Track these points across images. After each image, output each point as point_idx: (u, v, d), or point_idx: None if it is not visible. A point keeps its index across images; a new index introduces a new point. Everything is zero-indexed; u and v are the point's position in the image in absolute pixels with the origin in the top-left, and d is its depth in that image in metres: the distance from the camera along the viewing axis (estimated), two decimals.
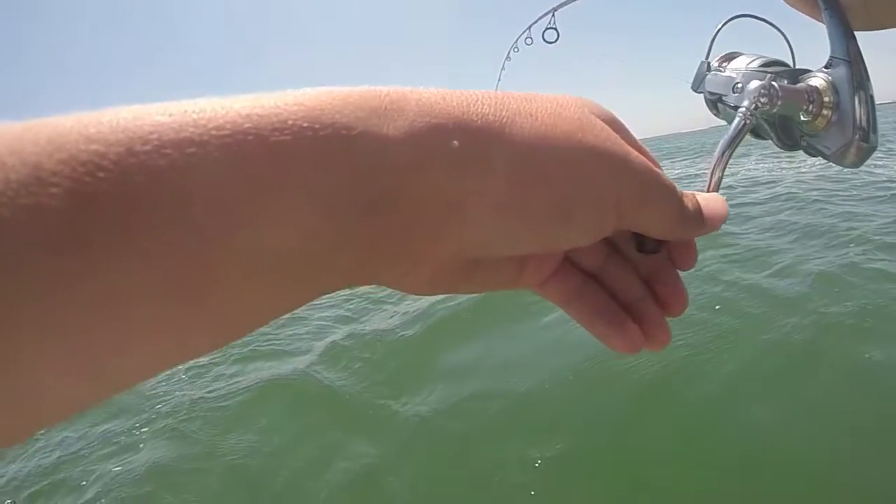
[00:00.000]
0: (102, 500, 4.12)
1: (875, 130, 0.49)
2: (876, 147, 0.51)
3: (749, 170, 16.82)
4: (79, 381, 0.24)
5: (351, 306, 8.29)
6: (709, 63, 0.67)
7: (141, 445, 5.08)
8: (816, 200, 9.08)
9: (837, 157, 0.53)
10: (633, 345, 0.44)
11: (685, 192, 0.42)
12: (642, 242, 0.44)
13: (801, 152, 0.67)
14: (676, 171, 20.24)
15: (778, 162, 18.04)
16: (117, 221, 0.21)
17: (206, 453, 4.51)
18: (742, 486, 2.84)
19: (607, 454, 3.38)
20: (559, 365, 4.53)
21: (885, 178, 10.98)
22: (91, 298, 0.21)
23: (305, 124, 0.25)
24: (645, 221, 0.38)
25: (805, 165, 15.00)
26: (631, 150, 0.36)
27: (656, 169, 0.38)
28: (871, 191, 9.41)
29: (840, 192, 9.89)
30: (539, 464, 3.29)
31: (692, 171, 20.07)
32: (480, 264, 0.37)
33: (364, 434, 4.24)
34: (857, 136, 0.50)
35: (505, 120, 0.30)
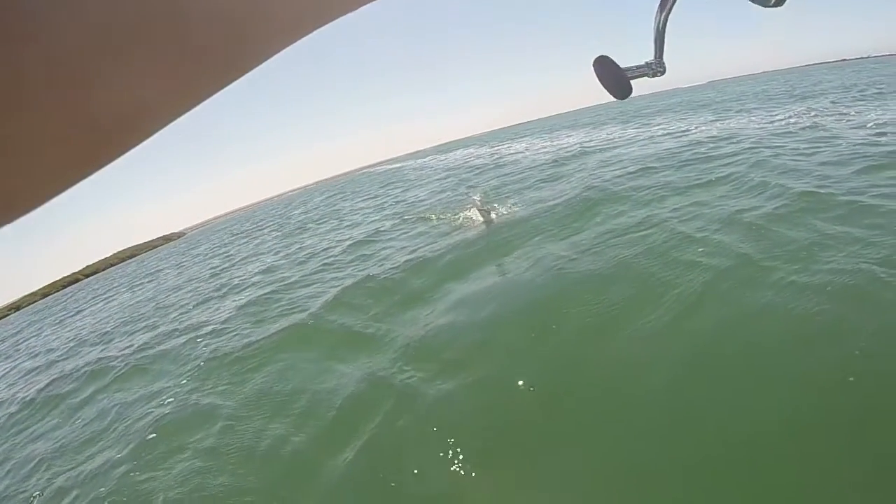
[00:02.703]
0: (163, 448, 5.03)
1: None
2: None
3: (725, 127, 17.12)
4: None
5: (353, 268, 9.28)
6: None
7: (176, 402, 6.00)
8: (779, 156, 9.49)
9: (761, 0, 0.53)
10: None
11: None
12: None
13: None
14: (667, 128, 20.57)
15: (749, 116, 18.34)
16: None
17: (236, 397, 5.39)
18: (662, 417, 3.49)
19: (557, 379, 4.14)
20: (518, 305, 5.46)
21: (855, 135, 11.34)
22: None
23: None
24: None
25: (775, 121, 15.36)
26: None
27: None
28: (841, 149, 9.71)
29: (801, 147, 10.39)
30: (520, 384, 4.09)
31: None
32: None
33: (366, 357, 5.20)
34: None
35: None
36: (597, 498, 2.87)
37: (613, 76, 0.83)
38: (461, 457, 3.41)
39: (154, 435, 5.24)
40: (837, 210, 5.67)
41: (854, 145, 9.09)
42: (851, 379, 3.03)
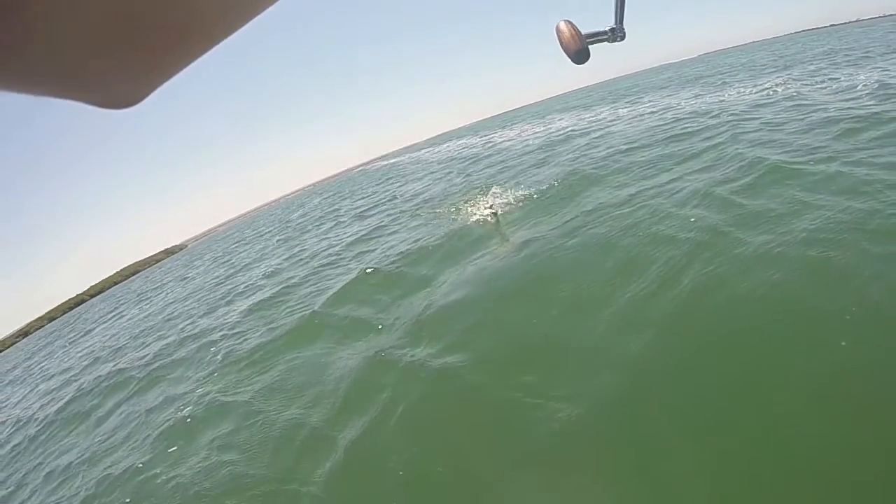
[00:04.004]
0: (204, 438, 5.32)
1: None
2: None
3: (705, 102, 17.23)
4: None
5: (356, 262, 9.53)
6: None
7: (196, 405, 6.25)
8: (759, 129, 9.69)
9: None
10: None
11: None
12: None
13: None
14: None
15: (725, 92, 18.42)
16: None
17: (253, 393, 5.64)
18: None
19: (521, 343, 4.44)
20: (515, 285, 5.76)
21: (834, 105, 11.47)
22: None
23: None
24: None
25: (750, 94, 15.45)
26: None
27: None
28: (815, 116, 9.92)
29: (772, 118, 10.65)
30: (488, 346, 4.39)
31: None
32: None
33: (374, 343, 5.51)
34: None
35: None
36: (591, 459, 3.07)
37: (573, 41, 0.87)
38: (465, 429, 3.68)
39: (180, 435, 5.53)
40: (811, 178, 5.86)
41: (834, 110, 9.31)
42: (843, 343, 3.10)
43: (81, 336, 22.31)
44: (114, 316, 23.72)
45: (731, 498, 2.50)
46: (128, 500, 4.78)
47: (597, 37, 0.89)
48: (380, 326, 5.88)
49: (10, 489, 6.71)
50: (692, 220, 5.63)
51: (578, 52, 0.86)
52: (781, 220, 4.95)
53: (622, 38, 0.91)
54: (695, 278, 4.43)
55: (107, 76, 0.28)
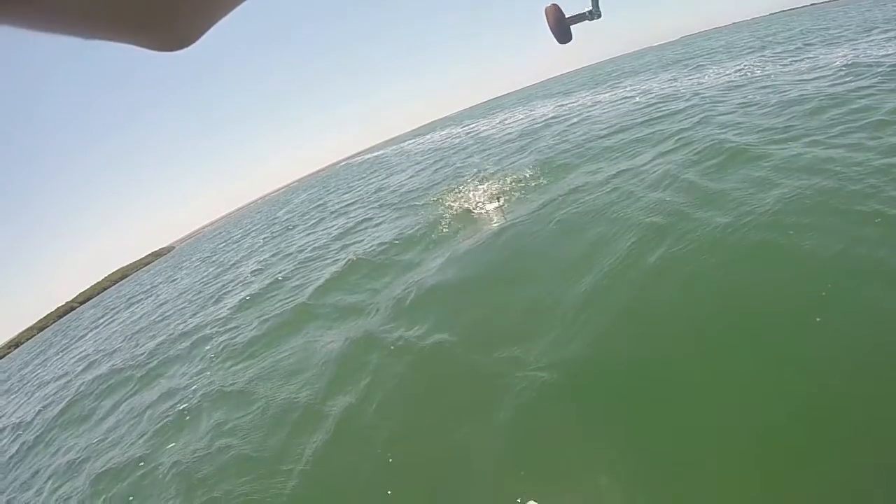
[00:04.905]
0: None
1: None
2: None
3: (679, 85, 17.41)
4: None
5: (343, 253, 9.70)
6: None
7: (195, 397, 6.45)
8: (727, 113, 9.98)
9: None
10: None
11: None
12: None
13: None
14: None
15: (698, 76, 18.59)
16: None
17: (248, 380, 5.85)
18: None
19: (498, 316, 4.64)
20: (477, 270, 6.09)
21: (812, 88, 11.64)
22: None
23: None
24: None
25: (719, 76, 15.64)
26: None
27: None
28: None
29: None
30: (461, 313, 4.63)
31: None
32: None
33: (363, 325, 5.80)
34: None
35: None
36: (570, 423, 3.30)
37: (558, 23, 1.00)
38: (449, 402, 3.93)
39: (180, 426, 5.76)
40: (778, 157, 6.07)
41: (806, 89, 9.59)
42: (818, 319, 3.20)
43: (74, 342, 22.19)
44: (105, 320, 23.65)
45: (699, 462, 2.64)
46: (135, 489, 4.98)
47: (578, 18, 1.03)
48: (368, 312, 6.12)
49: (16, 490, 6.86)
50: (665, 200, 5.86)
51: (563, 32, 1.00)
52: (750, 199, 5.15)
53: (599, 16, 1.04)
54: (665, 256, 4.66)
55: (154, 18, 0.29)
